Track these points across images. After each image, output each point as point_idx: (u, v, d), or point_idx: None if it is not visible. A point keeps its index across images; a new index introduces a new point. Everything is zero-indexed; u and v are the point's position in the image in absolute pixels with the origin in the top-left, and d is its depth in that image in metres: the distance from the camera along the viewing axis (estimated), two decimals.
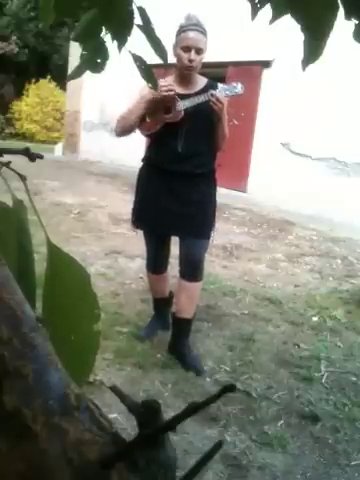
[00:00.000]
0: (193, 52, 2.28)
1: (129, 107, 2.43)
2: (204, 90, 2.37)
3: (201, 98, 2.32)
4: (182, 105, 2.33)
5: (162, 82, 2.30)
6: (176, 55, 2.33)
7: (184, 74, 2.38)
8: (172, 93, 2.31)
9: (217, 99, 2.27)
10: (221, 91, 2.34)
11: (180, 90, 2.37)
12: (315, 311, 3.37)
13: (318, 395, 2.34)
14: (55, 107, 15.72)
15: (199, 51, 2.29)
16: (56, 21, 1.08)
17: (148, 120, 2.41)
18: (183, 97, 2.35)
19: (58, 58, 17.26)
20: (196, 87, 2.42)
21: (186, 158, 2.38)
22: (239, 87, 2.37)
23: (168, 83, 2.32)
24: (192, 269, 2.47)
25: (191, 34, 2.26)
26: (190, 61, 2.29)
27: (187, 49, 2.27)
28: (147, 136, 2.55)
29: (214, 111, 2.31)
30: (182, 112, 2.33)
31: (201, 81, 2.45)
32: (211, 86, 2.39)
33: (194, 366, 2.43)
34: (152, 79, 1.20)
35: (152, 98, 2.32)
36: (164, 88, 2.28)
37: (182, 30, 2.29)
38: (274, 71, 7.39)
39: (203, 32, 2.29)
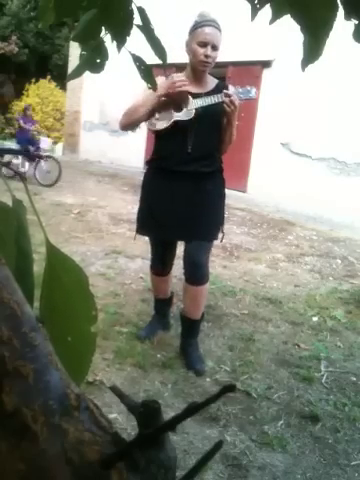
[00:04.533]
0: (209, 48, 2.20)
1: (139, 100, 2.32)
2: (215, 91, 2.29)
3: (214, 99, 2.23)
4: (194, 104, 2.25)
5: (175, 78, 2.22)
6: (190, 51, 2.25)
7: (198, 71, 2.29)
8: (186, 89, 2.22)
9: (231, 101, 2.19)
10: (235, 94, 2.25)
11: (191, 89, 2.27)
12: (315, 311, 3.37)
13: (318, 395, 2.34)
14: (55, 107, 15.74)
15: (215, 47, 2.22)
16: (56, 21, 1.08)
17: (157, 116, 2.31)
18: (194, 96, 2.26)
19: (58, 58, 17.30)
20: (207, 87, 2.34)
21: (195, 159, 2.29)
22: (253, 92, 2.30)
23: (183, 79, 2.24)
24: (195, 272, 2.40)
25: (208, 29, 2.19)
26: (206, 56, 2.21)
27: (203, 44, 2.20)
28: (155, 133, 2.42)
29: (226, 113, 2.23)
30: (194, 111, 2.25)
31: (212, 81, 2.38)
32: (222, 87, 2.32)
33: (194, 366, 2.42)
34: (151, 80, 1.20)
35: (165, 93, 2.23)
36: (180, 83, 2.21)
37: (199, 25, 2.20)
38: (274, 71, 7.39)
39: (219, 29, 2.22)
